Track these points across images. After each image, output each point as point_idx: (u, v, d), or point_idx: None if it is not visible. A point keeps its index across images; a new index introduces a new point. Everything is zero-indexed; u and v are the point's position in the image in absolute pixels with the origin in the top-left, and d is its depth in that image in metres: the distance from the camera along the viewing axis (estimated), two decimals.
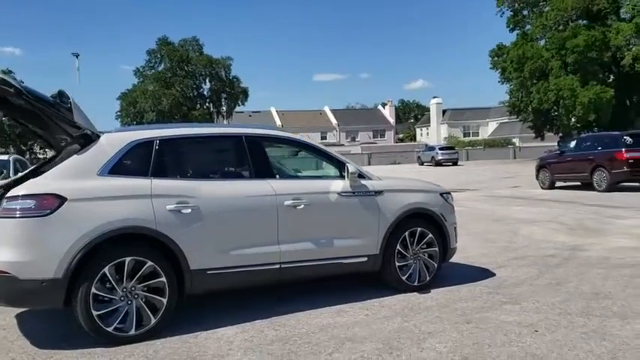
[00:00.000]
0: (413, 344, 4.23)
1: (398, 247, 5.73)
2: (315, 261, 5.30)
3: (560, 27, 43.33)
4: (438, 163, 48.24)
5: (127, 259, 4.43)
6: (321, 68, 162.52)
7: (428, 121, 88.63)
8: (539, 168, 21.06)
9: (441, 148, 51.45)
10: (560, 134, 48.54)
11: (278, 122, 78.01)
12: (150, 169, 4.75)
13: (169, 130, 5.10)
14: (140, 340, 4.44)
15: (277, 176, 5.40)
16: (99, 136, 4.73)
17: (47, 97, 4.49)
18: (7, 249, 4.20)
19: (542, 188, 19.59)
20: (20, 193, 4.29)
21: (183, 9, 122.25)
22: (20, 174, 5.69)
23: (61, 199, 4.28)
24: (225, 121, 66.39)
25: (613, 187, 17.63)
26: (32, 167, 5.67)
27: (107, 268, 4.36)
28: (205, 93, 69.18)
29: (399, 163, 56.89)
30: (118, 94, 73.29)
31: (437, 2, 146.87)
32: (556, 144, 50.54)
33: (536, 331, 4.47)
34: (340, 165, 5.62)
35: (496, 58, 48.57)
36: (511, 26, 49.12)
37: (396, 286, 5.75)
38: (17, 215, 4.22)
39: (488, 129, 79.12)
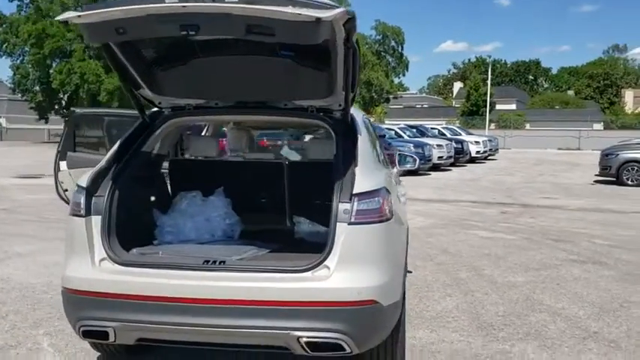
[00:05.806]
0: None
1: None
2: None
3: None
4: None
5: None
6: None
7: None
8: None
9: None
10: (66, 118, 47.42)
11: None
12: None
13: None
14: None
15: None
16: None
17: None
18: (368, 268, 2.98)
19: None
20: (363, 190, 3.05)
21: None
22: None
23: (389, 194, 3.22)
24: None
25: None
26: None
27: None
28: None
29: None
30: None
31: None
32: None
33: None
34: None
35: None
36: None
37: None
38: (375, 219, 3.04)
39: None
